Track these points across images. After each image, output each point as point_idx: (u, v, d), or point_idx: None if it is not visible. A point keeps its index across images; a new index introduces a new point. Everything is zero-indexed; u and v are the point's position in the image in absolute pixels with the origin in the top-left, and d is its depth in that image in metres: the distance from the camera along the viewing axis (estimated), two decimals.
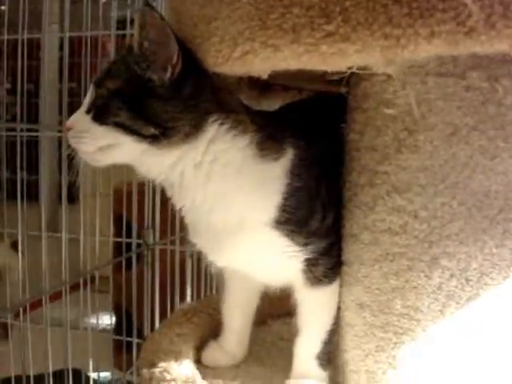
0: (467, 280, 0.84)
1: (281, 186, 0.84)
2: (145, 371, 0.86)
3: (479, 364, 0.86)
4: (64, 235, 1.48)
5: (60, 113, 1.87)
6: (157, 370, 0.86)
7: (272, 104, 1.02)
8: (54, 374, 1.74)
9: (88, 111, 0.82)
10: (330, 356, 0.93)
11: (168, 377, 0.85)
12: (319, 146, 0.88)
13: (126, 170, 1.71)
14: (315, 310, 0.91)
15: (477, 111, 0.82)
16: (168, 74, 0.78)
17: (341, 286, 0.91)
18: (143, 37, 0.77)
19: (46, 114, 1.79)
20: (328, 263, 0.89)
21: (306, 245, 0.86)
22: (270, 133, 0.85)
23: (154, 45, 0.77)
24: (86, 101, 0.83)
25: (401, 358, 0.85)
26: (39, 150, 1.92)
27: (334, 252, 0.89)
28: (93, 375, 1.84)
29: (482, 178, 0.83)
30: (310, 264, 0.88)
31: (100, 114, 0.80)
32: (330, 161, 0.90)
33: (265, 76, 0.75)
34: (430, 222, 0.83)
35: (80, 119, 0.82)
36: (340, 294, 0.91)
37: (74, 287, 1.73)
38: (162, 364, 0.87)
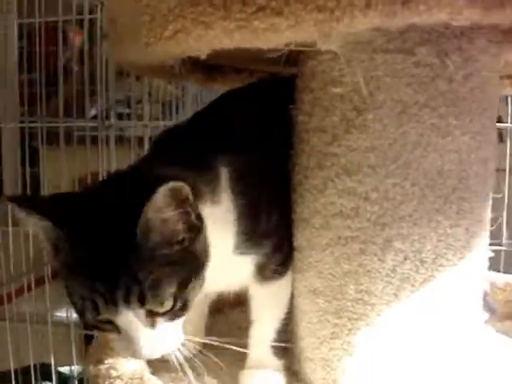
0: (422, 262, 0.82)
1: (231, 215, 0.82)
2: (91, 368, 0.83)
3: (435, 347, 0.84)
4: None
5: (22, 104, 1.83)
6: (103, 367, 0.83)
7: (222, 87, 0.99)
8: (23, 370, 1.71)
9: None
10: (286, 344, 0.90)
11: (114, 373, 0.82)
12: (256, 143, 0.87)
13: (91, 159, 1.69)
14: (268, 301, 0.89)
15: (427, 88, 0.79)
16: None
17: (294, 273, 0.89)
18: None
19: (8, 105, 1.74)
20: (279, 259, 0.87)
21: (257, 248, 0.84)
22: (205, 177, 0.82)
23: None
24: None
25: (356, 344, 0.82)
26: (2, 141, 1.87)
27: (283, 247, 0.88)
28: (64, 369, 1.81)
29: (435, 157, 0.81)
30: (262, 264, 0.86)
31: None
32: (272, 151, 0.87)
33: (203, 56, 0.72)
34: (382, 204, 0.80)
35: None
36: (293, 281, 0.88)
37: (41, 281, 1.70)
38: (109, 360, 0.85)
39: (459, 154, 0.82)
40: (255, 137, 0.88)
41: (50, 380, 1.74)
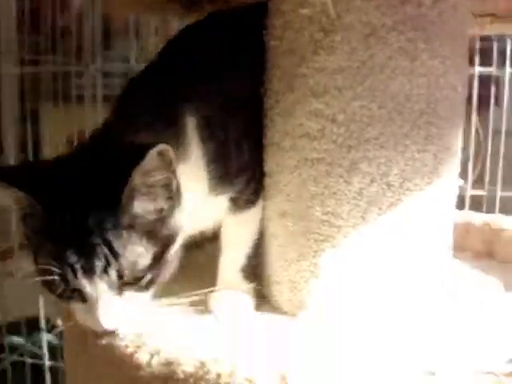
0: (388, 185, 0.83)
1: (202, 164, 0.83)
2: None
3: (400, 272, 0.85)
4: None
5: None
6: None
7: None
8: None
9: None
10: (255, 269, 0.92)
11: None
12: (222, 77, 0.87)
13: (78, 119, 1.69)
14: (239, 229, 0.90)
15: (396, 11, 0.80)
16: None
17: (264, 198, 0.90)
18: None
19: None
20: (252, 190, 0.88)
21: (232, 186, 0.86)
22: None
23: None
24: None
25: (322, 266, 0.84)
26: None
27: (255, 178, 0.88)
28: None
29: (403, 81, 0.81)
30: (236, 198, 0.88)
31: None
32: (240, 82, 0.88)
33: None
34: (349, 126, 0.81)
35: None
36: (263, 206, 0.90)
37: None
38: None
39: (428, 78, 0.82)
40: (220, 70, 0.88)
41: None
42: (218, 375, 0.64)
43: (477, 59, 1.45)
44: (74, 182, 0.71)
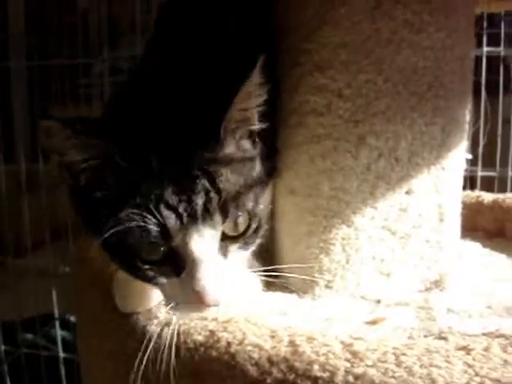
0: (397, 160, 0.83)
1: None
2: None
3: (407, 246, 0.85)
4: None
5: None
6: None
7: None
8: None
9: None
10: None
11: None
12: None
13: None
14: None
15: None
16: None
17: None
18: None
19: None
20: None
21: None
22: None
23: None
24: None
25: (332, 242, 0.84)
26: None
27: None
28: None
29: (409, 54, 0.81)
30: None
31: None
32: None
33: None
34: (355, 101, 0.81)
35: None
36: (275, 183, 0.89)
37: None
38: None
39: (434, 51, 0.82)
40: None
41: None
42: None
43: (484, 39, 1.44)
44: (160, 123, 0.65)
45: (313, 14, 0.81)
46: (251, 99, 0.64)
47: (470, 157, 0.95)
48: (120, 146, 0.61)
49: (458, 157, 0.88)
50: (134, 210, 0.59)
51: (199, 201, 0.60)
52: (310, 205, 0.84)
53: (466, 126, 0.89)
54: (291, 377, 0.57)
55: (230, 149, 0.65)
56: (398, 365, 0.56)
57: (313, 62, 0.82)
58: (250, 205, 0.65)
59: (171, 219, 0.59)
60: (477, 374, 0.57)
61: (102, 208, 0.62)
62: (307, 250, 0.85)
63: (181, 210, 0.59)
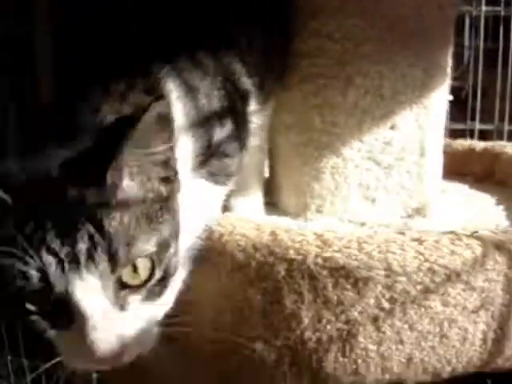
0: (381, 97, 0.93)
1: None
2: None
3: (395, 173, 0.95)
4: None
5: None
6: None
7: None
8: None
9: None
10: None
11: None
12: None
13: None
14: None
15: None
16: None
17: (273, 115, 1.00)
18: None
19: None
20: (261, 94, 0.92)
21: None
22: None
23: None
24: None
25: (322, 170, 0.95)
26: None
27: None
28: None
29: (391, 1, 0.90)
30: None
31: None
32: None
33: None
34: (344, 44, 0.91)
35: None
36: (271, 120, 1.00)
37: None
38: None
39: (415, 0, 0.91)
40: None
41: None
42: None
43: None
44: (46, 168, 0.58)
45: None
46: (150, 140, 0.57)
47: (451, 98, 1.04)
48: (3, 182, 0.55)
49: (439, 97, 0.98)
50: (16, 251, 0.53)
51: (82, 246, 0.53)
52: (303, 138, 0.95)
53: (448, 70, 0.99)
54: (271, 259, 0.69)
55: (125, 192, 0.58)
56: (360, 250, 0.67)
57: (308, 8, 0.92)
58: (150, 250, 0.58)
59: (52, 265, 0.53)
60: (427, 260, 0.68)
61: None
62: (301, 179, 0.96)
63: (62, 255, 0.53)
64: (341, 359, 0.70)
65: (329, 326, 0.69)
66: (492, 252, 0.69)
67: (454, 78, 1.47)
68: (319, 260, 0.67)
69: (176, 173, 0.63)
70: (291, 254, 0.68)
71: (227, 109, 0.77)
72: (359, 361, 0.70)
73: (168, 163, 0.61)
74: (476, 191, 1.15)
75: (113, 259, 0.54)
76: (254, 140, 0.89)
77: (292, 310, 0.69)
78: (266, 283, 0.69)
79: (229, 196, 0.88)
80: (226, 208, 0.89)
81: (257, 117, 0.88)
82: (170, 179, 0.62)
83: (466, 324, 0.70)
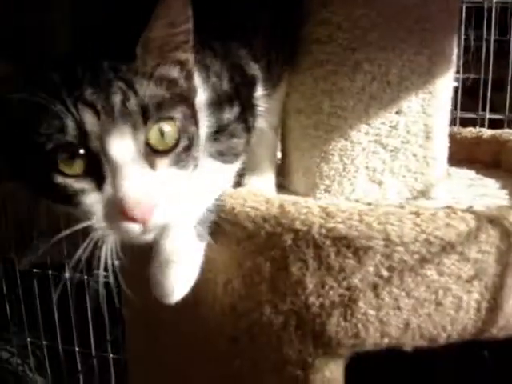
0: (388, 83, 0.97)
1: None
2: None
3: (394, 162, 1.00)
4: None
5: None
6: None
7: None
8: None
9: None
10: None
11: None
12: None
13: None
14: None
15: None
16: None
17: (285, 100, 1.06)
18: None
19: None
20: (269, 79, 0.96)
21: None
22: None
23: None
24: None
25: (331, 152, 1.00)
26: None
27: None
28: None
29: None
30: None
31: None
32: None
33: None
34: (353, 32, 0.96)
35: None
36: (284, 105, 1.06)
37: None
38: None
39: None
40: None
41: None
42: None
43: None
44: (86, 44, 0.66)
45: None
46: (175, 17, 0.63)
47: (456, 84, 1.08)
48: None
49: (444, 84, 1.02)
50: (54, 112, 0.58)
51: (117, 99, 0.59)
52: (313, 121, 1.00)
53: (453, 58, 1.03)
54: (279, 229, 0.75)
55: (151, 65, 0.64)
56: (361, 221, 0.73)
57: None
58: (176, 116, 0.63)
59: (89, 114, 0.58)
60: (423, 232, 0.73)
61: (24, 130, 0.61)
62: (310, 160, 1.02)
63: (98, 106, 0.58)
64: (342, 323, 0.75)
65: (331, 292, 0.74)
66: (485, 225, 0.74)
67: (466, 69, 1.52)
68: (323, 230, 0.73)
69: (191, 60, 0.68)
70: (297, 224, 0.74)
71: (235, 91, 0.82)
72: (359, 325, 0.75)
73: (187, 45, 0.66)
74: (482, 176, 1.19)
75: (143, 110, 0.59)
76: (264, 122, 0.94)
77: (297, 277, 0.75)
78: (274, 252, 0.75)
79: (241, 175, 0.94)
80: (238, 186, 0.94)
81: (265, 101, 0.93)
82: (188, 62, 0.68)
83: (461, 293, 0.75)
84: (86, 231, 0.63)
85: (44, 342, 1.79)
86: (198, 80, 0.74)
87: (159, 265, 0.72)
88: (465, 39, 1.61)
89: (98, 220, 0.61)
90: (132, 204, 0.58)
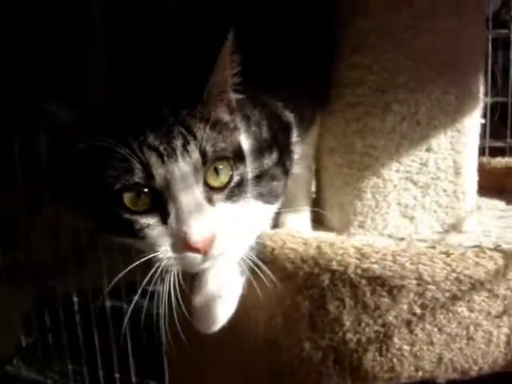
0: (417, 123, 1.02)
1: None
2: None
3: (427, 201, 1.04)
4: None
5: None
6: None
7: None
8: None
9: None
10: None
11: None
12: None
13: None
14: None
15: None
16: None
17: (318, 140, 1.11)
18: None
19: None
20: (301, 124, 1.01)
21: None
22: None
23: None
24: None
25: (364, 190, 1.05)
26: None
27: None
28: None
29: (425, 37, 1.00)
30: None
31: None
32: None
33: None
34: (382, 74, 1.01)
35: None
36: (318, 145, 1.11)
37: None
38: None
39: (450, 33, 1.01)
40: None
41: None
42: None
43: None
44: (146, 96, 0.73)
45: (348, 5, 1.02)
46: (227, 67, 0.71)
47: (483, 121, 1.12)
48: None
49: (472, 121, 1.06)
50: (121, 156, 0.65)
51: (178, 142, 0.66)
52: (346, 160, 1.05)
53: (480, 96, 1.07)
54: (316, 270, 0.79)
55: (209, 110, 0.72)
56: (394, 262, 0.77)
57: (349, 45, 1.02)
58: (229, 156, 0.71)
59: (153, 157, 0.65)
60: (454, 271, 0.77)
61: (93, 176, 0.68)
62: (344, 197, 1.06)
63: (161, 149, 0.66)
64: (378, 358, 0.79)
65: (367, 329, 0.79)
66: None
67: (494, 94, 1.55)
68: (358, 270, 0.77)
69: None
70: (334, 265, 0.78)
71: (273, 138, 0.88)
72: (394, 360, 0.79)
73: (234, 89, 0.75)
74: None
75: (202, 153, 0.67)
76: (300, 164, 0.99)
77: (335, 315, 0.80)
78: (313, 291, 0.80)
79: (279, 213, 0.99)
80: (276, 224, 0.99)
81: (299, 146, 0.98)
82: (234, 106, 0.77)
83: (490, 328, 0.79)
84: (128, 260, 0.71)
85: (85, 370, 1.85)
86: (241, 129, 0.81)
87: (202, 297, 0.77)
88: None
89: (164, 251, 0.68)
90: (196, 237, 0.65)
